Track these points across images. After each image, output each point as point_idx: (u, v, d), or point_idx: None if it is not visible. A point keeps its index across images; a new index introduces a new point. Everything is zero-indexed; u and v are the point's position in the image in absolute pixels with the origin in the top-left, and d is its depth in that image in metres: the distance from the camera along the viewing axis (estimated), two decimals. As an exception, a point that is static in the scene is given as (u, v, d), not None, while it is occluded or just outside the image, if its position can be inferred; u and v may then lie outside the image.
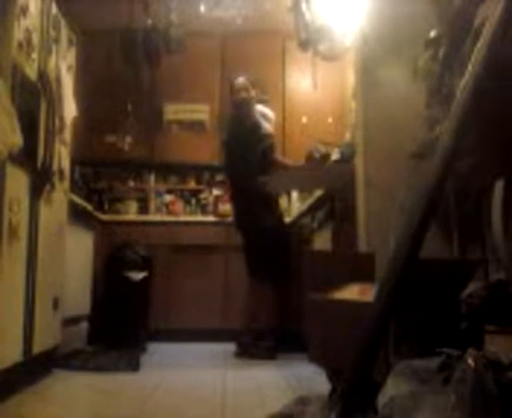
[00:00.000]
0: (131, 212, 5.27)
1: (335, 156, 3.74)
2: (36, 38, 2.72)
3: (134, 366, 3.31)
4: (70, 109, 3.27)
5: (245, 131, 4.05)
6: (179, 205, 5.37)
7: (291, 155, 4.80)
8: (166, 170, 5.51)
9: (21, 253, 2.57)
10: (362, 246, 2.57)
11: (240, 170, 4.02)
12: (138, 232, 4.85)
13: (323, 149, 4.09)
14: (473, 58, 1.39)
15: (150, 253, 4.63)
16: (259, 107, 4.25)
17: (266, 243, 3.99)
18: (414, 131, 2.31)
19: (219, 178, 5.49)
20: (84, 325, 4.12)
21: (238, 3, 4.83)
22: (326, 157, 3.97)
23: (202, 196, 5.46)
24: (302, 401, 1.69)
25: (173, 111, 5.30)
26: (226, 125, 4.30)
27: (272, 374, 3.23)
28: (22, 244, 2.56)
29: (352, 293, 1.90)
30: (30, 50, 2.65)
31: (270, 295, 4.04)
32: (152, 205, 5.43)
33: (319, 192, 3.54)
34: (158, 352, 4.08)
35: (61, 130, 3.12)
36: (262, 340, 3.94)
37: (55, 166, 3.02)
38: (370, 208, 2.54)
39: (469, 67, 1.39)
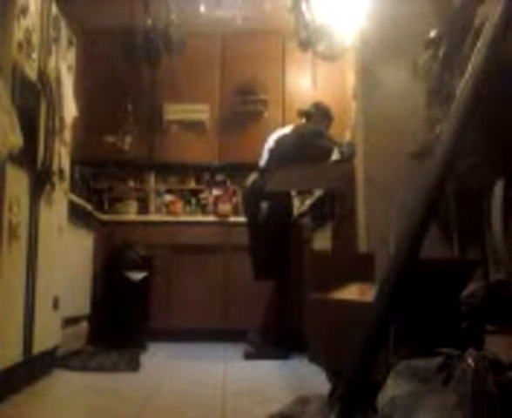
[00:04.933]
0: (131, 212, 5.26)
1: (335, 156, 3.74)
2: (36, 38, 2.72)
3: (134, 366, 3.31)
4: (70, 109, 3.27)
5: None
6: (179, 205, 5.37)
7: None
8: (166, 170, 5.51)
9: (21, 253, 2.57)
10: (362, 246, 2.57)
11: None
12: (138, 232, 4.85)
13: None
14: (473, 58, 1.39)
15: (150, 253, 4.63)
16: None
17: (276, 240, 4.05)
18: (414, 131, 2.31)
19: (219, 178, 5.49)
20: (84, 325, 4.12)
21: (238, 4, 4.83)
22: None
23: (202, 196, 5.46)
24: (302, 401, 1.69)
25: (173, 111, 5.30)
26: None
27: (272, 374, 3.23)
28: (22, 244, 2.56)
29: (352, 293, 1.91)
30: (30, 50, 2.65)
31: (282, 295, 4.07)
32: (152, 205, 5.43)
33: (319, 192, 3.54)
34: (158, 352, 4.08)
35: (61, 130, 3.12)
36: (275, 340, 3.94)
37: (55, 166, 3.02)
38: (370, 208, 2.54)
39: (469, 67, 1.39)
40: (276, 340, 3.96)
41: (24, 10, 2.57)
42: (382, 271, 1.42)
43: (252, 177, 4.20)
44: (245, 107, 5.30)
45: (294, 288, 4.09)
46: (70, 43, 3.34)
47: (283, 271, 4.06)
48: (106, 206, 5.30)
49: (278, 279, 4.04)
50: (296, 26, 4.14)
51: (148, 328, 4.52)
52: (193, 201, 5.45)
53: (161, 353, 4.02)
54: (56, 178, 3.05)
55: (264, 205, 4.04)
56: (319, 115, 4.22)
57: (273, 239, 4.05)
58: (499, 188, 1.73)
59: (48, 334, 2.97)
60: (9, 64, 2.43)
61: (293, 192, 5.13)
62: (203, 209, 5.40)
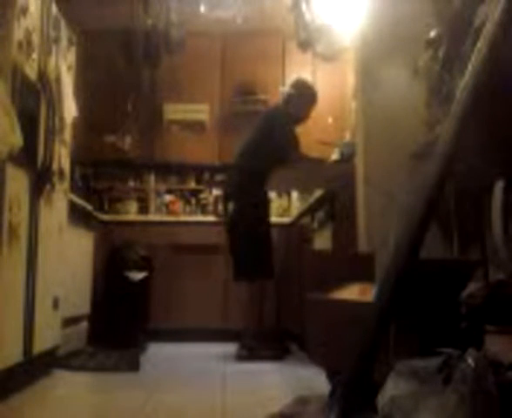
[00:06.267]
0: (131, 212, 5.27)
1: (335, 156, 3.74)
2: (36, 38, 2.72)
3: (134, 366, 3.31)
4: (70, 109, 3.27)
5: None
6: (179, 205, 5.37)
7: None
8: (166, 170, 5.51)
9: (21, 253, 2.57)
10: (362, 246, 2.56)
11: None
12: (138, 232, 4.85)
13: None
14: (473, 58, 1.39)
15: (150, 253, 4.63)
16: None
17: (251, 241, 3.92)
18: (414, 131, 2.31)
19: (219, 178, 5.49)
20: (84, 325, 4.12)
21: (238, 3, 4.83)
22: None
23: (202, 196, 5.46)
24: (302, 401, 1.69)
25: (173, 111, 5.30)
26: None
27: (272, 374, 3.23)
28: (22, 244, 2.56)
29: (352, 293, 1.91)
30: (30, 50, 2.65)
31: (264, 295, 4.00)
32: (152, 205, 5.43)
33: (319, 192, 3.54)
34: (158, 352, 4.08)
35: (61, 130, 3.12)
36: (267, 341, 3.89)
37: (55, 166, 3.02)
38: (370, 208, 2.53)
39: (469, 67, 1.39)
40: (269, 341, 3.91)
41: (24, 10, 2.57)
42: (382, 271, 1.42)
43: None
44: (245, 107, 5.30)
45: (294, 288, 4.08)
46: (70, 43, 3.34)
47: (262, 273, 3.90)
48: (106, 206, 5.30)
49: (257, 282, 3.89)
50: (296, 26, 4.14)
51: (148, 328, 4.52)
52: (193, 201, 5.45)
53: (161, 354, 4.02)
54: (56, 178, 3.05)
55: (230, 206, 3.94)
56: (299, 97, 4.00)
57: (246, 241, 3.90)
58: (499, 188, 1.73)
59: (48, 334, 2.97)
60: (9, 64, 2.43)
61: (295, 192, 5.12)
62: (203, 209, 5.40)
